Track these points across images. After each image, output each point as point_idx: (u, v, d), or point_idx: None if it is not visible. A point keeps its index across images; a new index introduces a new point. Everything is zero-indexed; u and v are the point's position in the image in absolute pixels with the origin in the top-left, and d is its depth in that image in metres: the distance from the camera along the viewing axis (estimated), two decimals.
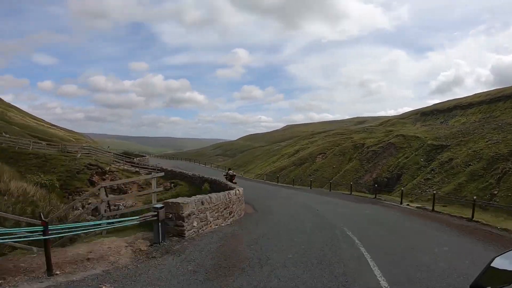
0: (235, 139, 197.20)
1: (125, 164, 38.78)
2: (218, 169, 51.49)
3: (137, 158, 43.89)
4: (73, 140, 56.77)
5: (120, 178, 30.27)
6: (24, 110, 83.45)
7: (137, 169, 37.27)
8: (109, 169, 33.99)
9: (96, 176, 31.67)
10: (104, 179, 31.05)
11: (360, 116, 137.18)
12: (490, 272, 1.24)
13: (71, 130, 79.26)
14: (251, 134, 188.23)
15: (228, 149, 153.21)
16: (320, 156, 50.94)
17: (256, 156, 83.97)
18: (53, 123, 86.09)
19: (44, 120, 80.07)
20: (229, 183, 21.41)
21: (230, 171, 27.11)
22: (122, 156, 43.05)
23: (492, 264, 1.26)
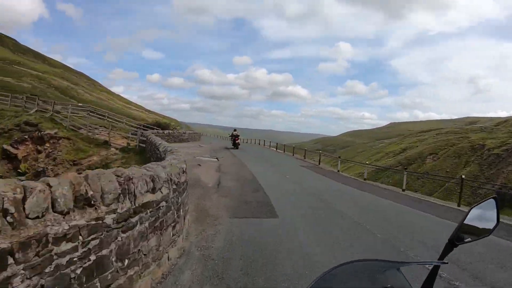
0: (337, 134, 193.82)
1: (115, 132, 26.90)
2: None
3: (167, 131, 31.18)
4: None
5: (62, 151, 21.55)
6: (125, 97, 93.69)
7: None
8: (55, 134, 22.69)
9: (26, 144, 22.06)
10: (39, 151, 21.84)
11: (470, 116, 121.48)
12: (466, 222, 1.28)
13: (161, 114, 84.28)
14: (353, 130, 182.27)
15: (328, 144, 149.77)
16: (431, 157, 46.10)
17: (358, 153, 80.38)
18: (160, 113, 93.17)
19: (143, 107, 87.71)
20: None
21: (235, 132, 31.75)
22: (140, 128, 31.00)
23: (468, 216, 1.29)
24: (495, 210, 1.33)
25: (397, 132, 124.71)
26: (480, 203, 1.32)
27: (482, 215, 1.32)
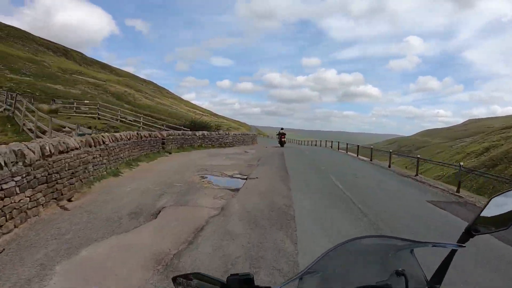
0: (411, 134, 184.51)
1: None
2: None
3: (201, 132, 24.82)
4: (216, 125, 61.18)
5: None
6: (196, 104, 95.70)
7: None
8: None
9: None
10: None
11: None
12: (485, 213, 1.24)
13: (230, 119, 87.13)
14: (428, 129, 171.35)
15: (403, 144, 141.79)
16: None
17: (435, 153, 75.70)
18: (232, 117, 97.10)
19: (210, 112, 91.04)
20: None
21: (282, 130, 32.92)
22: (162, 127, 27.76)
23: (487, 206, 1.25)
24: None
25: (476, 130, 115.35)
26: (502, 193, 1.28)
27: (503, 206, 1.26)
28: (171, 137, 19.51)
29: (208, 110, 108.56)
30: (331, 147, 39.52)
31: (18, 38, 69.24)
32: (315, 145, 50.26)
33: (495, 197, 1.28)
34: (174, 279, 1.29)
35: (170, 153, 17.68)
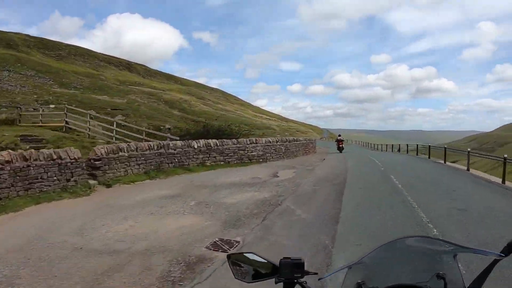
0: (492, 129, 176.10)
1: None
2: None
3: (215, 141, 17.42)
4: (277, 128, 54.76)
5: None
6: (266, 109, 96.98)
7: None
8: None
9: None
10: None
11: None
12: None
13: (301, 122, 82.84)
14: (511, 123, 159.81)
15: (484, 141, 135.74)
16: None
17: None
18: (304, 122, 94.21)
19: (279, 116, 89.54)
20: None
21: (339, 137, 34.24)
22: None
23: None
24: None
25: None
26: None
27: None
28: (126, 154, 12.23)
29: (277, 115, 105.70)
30: (407, 151, 35.83)
31: (80, 56, 68.06)
32: (387, 150, 44.23)
33: None
34: (229, 257, 1.41)
35: (109, 186, 10.80)
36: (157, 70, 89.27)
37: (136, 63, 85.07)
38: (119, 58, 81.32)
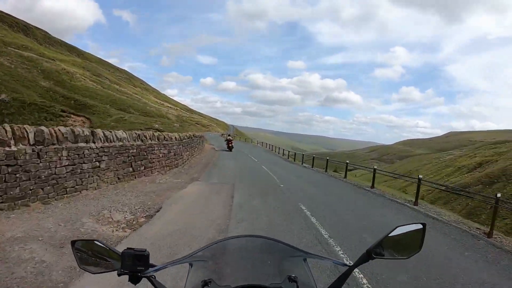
0: (390, 143, 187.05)
1: None
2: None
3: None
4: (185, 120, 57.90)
5: None
6: (174, 98, 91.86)
7: None
8: None
9: None
10: None
11: None
12: (388, 239, 1.27)
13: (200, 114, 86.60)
14: (410, 139, 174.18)
15: (385, 153, 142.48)
16: None
17: (422, 165, 74.89)
18: (211, 116, 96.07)
19: (186, 106, 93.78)
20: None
21: (229, 136, 34.87)
22: None
23: (391, 233, 1.27)
24: (420, 237, 1.31)
25: (458, 143, 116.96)
26: (408, 225, 1.31)
27: (406, 237, 1.31)
28: None
29: (185, 106, 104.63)
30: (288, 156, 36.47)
31: None
32: (277, 152, 43.33)
33: (400, 227, 1.29)
34: (73, 243, 1.30)
35: None
36: (60, 40, 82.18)
37: (36, 28, 76.26)
38: (16, 18, 72.84)
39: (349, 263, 1.29)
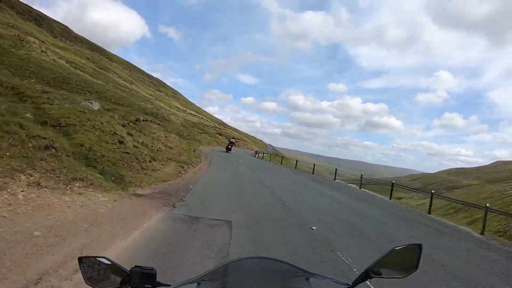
0: (431, 171, 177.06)
1: None
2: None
3: None
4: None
5: None
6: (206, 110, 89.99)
7: None
8: None
9: None
10: None
11: None
12: (386, 259, 1.31)
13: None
14: (455, 168, 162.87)
15: (429, 182, 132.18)
16: None
17: (482, 198, 66.89)
18: (250, 134, 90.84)
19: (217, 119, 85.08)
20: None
21: (232, 139, 35.19)
22: None
23: (389, 254, 1.32)
24: (417, 256, 1.35)
25: (509, 173, 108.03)
26: (405, 246, 1.34)
27: (403, 257, 1.33)
28: None
29: (219, 119, 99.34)
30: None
31: None
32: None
33: (397, 248, 1.32)
34: (80, 259, 1.32)
35: None
36: (81, 36, 77.08)
37: (55, 21, 72.15)
38: (29, 7, 67.66)
39: (349, 283, 1.31)
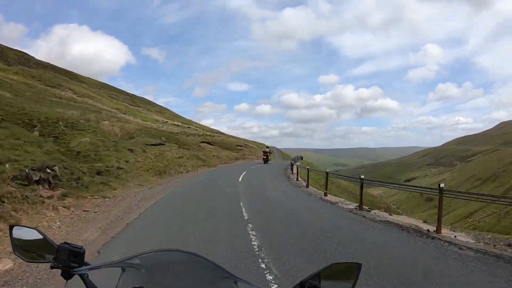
0: (436, 145, 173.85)
1: None
2: None
3: None
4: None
5: None
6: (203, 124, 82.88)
7: None
8: None
9: None
10: None
11: None
12: (324, 273, 1.25)
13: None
14: (461, 137, 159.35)
15: (440, 156, 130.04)
16: None
17: (507, 163, 62.32)
18: (252, 140, 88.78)
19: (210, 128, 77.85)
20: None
21: (267, 149, 33.53)
22: None
23: (327, 268, 1.27)
24: (355, 275, 1.28)
25: None
26: (344, 263, 1.29)
27: (341, 273, 1.27)
28: None
29: (207, 126, 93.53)
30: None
31: None
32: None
33: (337, 264, 1.27)
34: (11, 227, 1.32)
35: None
36: (45, 62, 74.30)
37: (10, 49, 69.92)
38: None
39: None
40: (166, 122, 55.46)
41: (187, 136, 39.06)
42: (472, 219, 50.55)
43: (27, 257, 1.27)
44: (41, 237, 1.26)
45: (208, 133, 53.82)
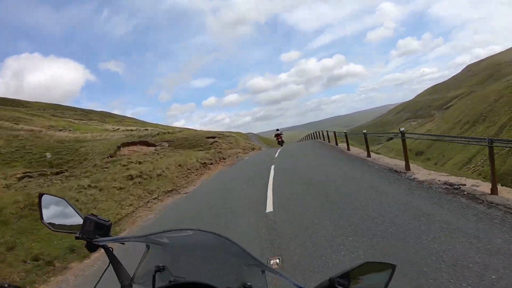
0: (409, 99, 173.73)
1: None
2: None
3: None
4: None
5: None
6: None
7: None
8: None
9: None
10: None
11: None
12: (354, 272, 1.15)
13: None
14: (431, 87, 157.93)
15: (417, 108, 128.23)
16: None
17: (493, 101, 59.85)
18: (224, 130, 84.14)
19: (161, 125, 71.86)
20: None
21: (277, 131, 32.62)
22: None
23: (358, 267, 1.16)
24: (388, 277, 1.18)
25: (488, 71, 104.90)
26: (377, 262, 1.20)
27: (373, 274, 1.19)
28: None
29: (159, 124, 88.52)
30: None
31: None
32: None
33: (370, 263, 1.19)
34: (41, 196, 1.32)
35: None
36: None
37: None
38: None
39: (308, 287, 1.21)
40: (118, 129, 48.33)
41: (146, 137, 29.46)
42: (473, 165, 47.64)
43: (54, 226, 1.26)
44: (69, 207, 1.26)
45: (168, 131, 45.06)
